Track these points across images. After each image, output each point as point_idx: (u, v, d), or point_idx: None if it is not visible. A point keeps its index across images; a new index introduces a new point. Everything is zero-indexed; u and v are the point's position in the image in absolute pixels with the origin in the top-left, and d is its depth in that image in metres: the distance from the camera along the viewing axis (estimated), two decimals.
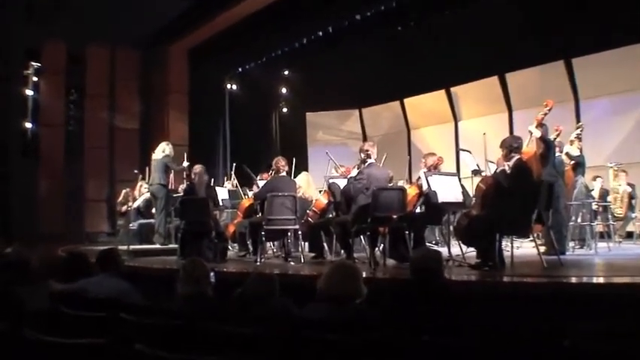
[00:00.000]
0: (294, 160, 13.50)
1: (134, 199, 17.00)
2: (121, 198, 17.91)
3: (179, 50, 22.95)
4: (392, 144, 19.80)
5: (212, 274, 5.97)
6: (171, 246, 14.13)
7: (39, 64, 21.85)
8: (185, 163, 14.50)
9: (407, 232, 9.82)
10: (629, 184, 14.39)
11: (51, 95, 21.84)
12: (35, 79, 21.87)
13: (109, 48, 22.68)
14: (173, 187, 15.81)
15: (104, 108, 22.52)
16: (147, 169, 15.94)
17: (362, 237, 11.16)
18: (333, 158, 12.39)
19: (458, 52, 17.48)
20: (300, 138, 22.74)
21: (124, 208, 17.26)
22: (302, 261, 11.09)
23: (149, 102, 23.38)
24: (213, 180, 16.41)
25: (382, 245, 10.49)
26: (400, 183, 13.35)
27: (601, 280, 7.70)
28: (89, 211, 22.17)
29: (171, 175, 15.77)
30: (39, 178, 21.56)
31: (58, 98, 22.08)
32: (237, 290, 5.74)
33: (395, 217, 9.83)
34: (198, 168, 12.71)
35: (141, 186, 16.98)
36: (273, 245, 13.38)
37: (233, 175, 16.58)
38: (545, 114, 10.50)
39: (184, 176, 15.13)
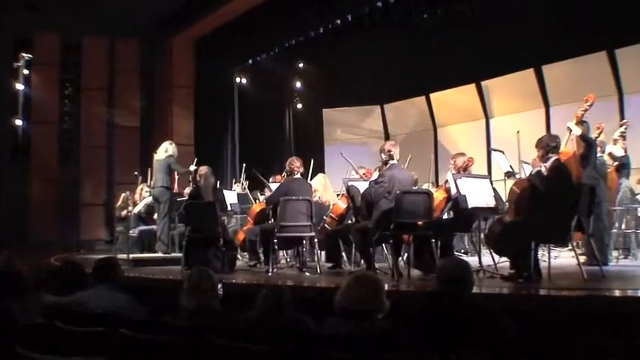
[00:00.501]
0: (311, 161, 13.50)
1: (134, 204, 17.04)
2: (120, 202, 17.96)
3: (184, 41, 23.01)
4: (417, 143, 19.77)
5: (220, 285, 5.99)
6: (174, 255, 14.14)
7: (30, 56, 21.95)
8: (192, 167, 14.51)
9: (433, 240, 9.79)
10: None
11: (44, 89, 21.93)
12: (26, 71, 21.97)
13: (108, 38, 22.73)
14: (177, 190, 15.84)
15: (102, 104, 22.59)
16: (149, 170, 15.96)
17: (384, 245, 11.14)
18: (349, 159, 12.35)
19: (490, 42, 17.42)
20: (317, 137, 22.70)
21: (124, 213, 17.28)
22: (318, 272, 11.08)
23: (151, 97, 23.44)
24: (219, 183, 16.43)
25: (406, 254, 10.48)
26: (426, 186, 13.32)
27: None
28: (85, 217, 22.23)
29: (176, 177, 15.81)
30: (30, 181, 21.64)
31: (51, 93, 22.17)
32: (252, 312, 5.74)
33: (420, 223, 9.82)
34: (203, 169, 12.72)
35: (142, 189, 17.01)
36: (287, 254, 13.39)
37: (243, 178, 16.59)
38: (586, 110, 10.45)
39: (190, 179, 15.13)
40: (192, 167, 14.47)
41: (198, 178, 12.74)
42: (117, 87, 22.94)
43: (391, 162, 10.24)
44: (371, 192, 10.16)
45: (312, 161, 13.73)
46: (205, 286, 5.72)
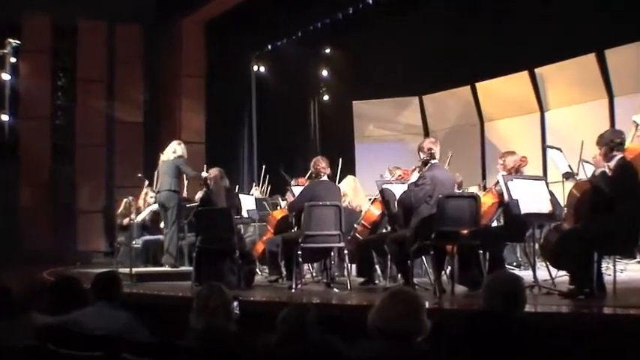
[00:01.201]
0: (339, 160, 13.49)
1: (138, 210, 17.07)
2: (121, 209, 17.99)
3: (193, 24, 23.06)
4: (461, 140, 19.69)
5: (235, 303, 6.00)
6: (184, 269, 14.21)
7: (18, 42, 21.96)
8: (204, 173, 14.55)
9: (481, 252, 9.78)
10: None
11: (34, 80, 21.99)
12: (13, 59, 22.01)
13: (107, 21, 22.79)
14: (186, 194, 15.87)
15: (100, 96, 22.67)
16: (154, 172, 16.00)
17: (424, 257, 11.13)
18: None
19: (544, 23, 17.36)
20: (346, 133, 22.64)
21: (126, 221, 17.32)
22: (348, 287, 11.10)
23: (156, 89, 23.54)
24: (238, 187, 16.45)
25: (449, 268, 10.45)
26: (472, 189, 13.30)
27: None
28: (82, 225, 22.32)
29: (184, 181, 15.85)
30: (19, 184, 21.71)
31: (42, 84, 22.26)
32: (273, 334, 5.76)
33: (465, 232, 9.80)
34: (213, 172, 12.76)
35: (146, 194, 17.06)
36: (312, 268, 13.39)
37: (262, 180, 16.60)
38: None
39: (200, 182, 15.14)
40: (204, 174, 14.51)
41: (208, 182, 12.77)
42: (117, 77, 23.03)
43: (432, 161, 10.21)
44: (410, 196, 10.14)
45: (340, 161, 13.72)
46: (214, 304, 5.72)
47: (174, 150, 14.89)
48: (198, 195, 14.74)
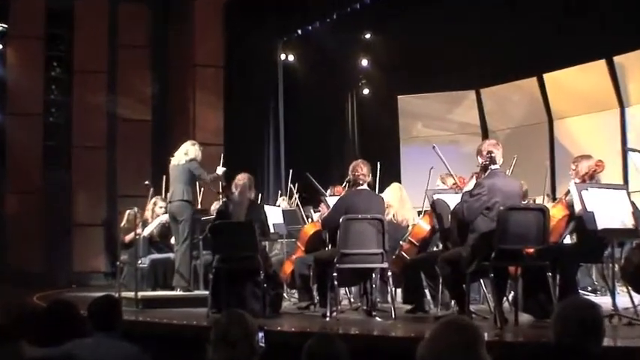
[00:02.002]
0: (378, 165, 13.46)
1: (145, 224, 17.08)
2: (125, 222, 18.02)
3: (210, 4, 23.09)
4: (526, 142, 19.66)
5: (260, 334, 5.99)
6: (198, 293, 14.22)
7: (5, 26, 22.06)
8: (220, 170, 14.50)
9: (550, 274, 9.74)
10: None
11: (24, 71, 22.07)
12: (0, 47, 22.10)
13: (108, 1, 22.85)
14: (200, 205, 15.89)
15: (101, 89, 22.70)
16: (163, 179, 16.02)
17: (482, 281, 11.10)
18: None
19: (625, 3, 17.28)
20: (389, 132, 22.65)
21: (130, 236, 17.34)
22: (393, 316, 11.07)
23: (166, 80, 23.54)
24: (260, 196, 16.46)
25: (512, 293, 10.42)
26: (540, 200, 13.25)
27: None
28: (79, 241, 22.35)
29: (198, 189, 15.87)
30: (6, 192, 21.78)
31: (33, 75, 22.30)
32: None
33: (531, 251, 9.76)
34: (242, 178, 12.69)
35: (155, 204, 17.05)
36: (350, 293, 13.37)
37: (290, 189, 16.60)
38: None
39: (219, 190, 15.11)
40: (220, 169, 14.44)
41: (233, 189, 12.71)
42: (120, 67, 23.03)
43: (492, 167, 10.17)
44: (463, 207, 10.10)
45: (379, 165, 13.69)
46: (235, 334, 5.70)
47: (186, 152, 14.70)
48: (215, 206, 14.72)
